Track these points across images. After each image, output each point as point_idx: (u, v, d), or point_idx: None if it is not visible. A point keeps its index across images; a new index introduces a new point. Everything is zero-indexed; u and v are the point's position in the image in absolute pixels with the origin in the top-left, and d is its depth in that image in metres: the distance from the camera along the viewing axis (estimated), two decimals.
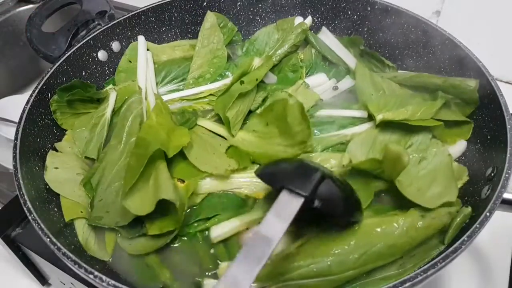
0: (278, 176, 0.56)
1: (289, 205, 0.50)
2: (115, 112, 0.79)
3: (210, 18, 0.91)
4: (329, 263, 0.54)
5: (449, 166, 0.67)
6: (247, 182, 0.68)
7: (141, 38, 0.91)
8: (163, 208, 0.59)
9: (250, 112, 0.79)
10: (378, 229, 0.57)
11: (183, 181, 0.67)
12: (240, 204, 0.67)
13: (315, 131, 0.76)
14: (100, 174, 0.69)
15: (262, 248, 0.45)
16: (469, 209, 0.59)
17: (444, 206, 0.60)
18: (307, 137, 0.64)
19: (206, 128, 0.77)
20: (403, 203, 0.62)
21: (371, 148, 0.71)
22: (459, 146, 0.73)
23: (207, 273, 0.60)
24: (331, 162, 0.69)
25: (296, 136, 0.65)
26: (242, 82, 0.79)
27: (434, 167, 0.67)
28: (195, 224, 0.65)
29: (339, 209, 0.55)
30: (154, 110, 0.70)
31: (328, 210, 0.54)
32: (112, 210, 0.64)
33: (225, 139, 0.75)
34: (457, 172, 0.68)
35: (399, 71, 0.88)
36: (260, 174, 0.60)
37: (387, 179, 0.64)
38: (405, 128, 0.72)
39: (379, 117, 0.71)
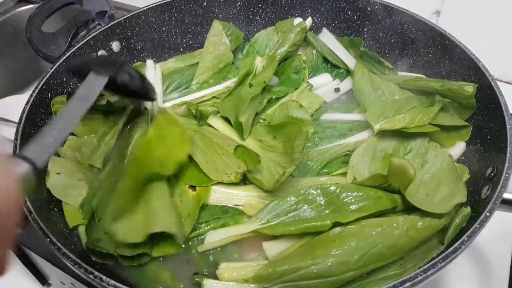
0: (85, 66, 0.63)
1: (96, 83, 0.60)
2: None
3: (217, 26, 0.91)
4: (329, 264, 0.54)
5: (452, 166, 0.67)
6: (249, 199, 0.67)
7: (149, 62, 0.91)
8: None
9: (256, 114, 0.79)
10: (378, 230, 0.57)
11: (194, 188, 0.66)
12: (238, 211, 0.66)
13: (316, 138, 0.76)
14: (100, 194, 0.64)
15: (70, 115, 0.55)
16: (468, 209, 0.59)
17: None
18: (296, 163, 0.65)
19: (213, 127, 0.76)
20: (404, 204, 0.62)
21: (372, 159, 0.70)
22: (458, 148, 0.73)
23: (206, 274, 0.61)
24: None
25: (292, 158, 0.66)
26: (250, 85, 0.78)
27: (437, 170, 0.67)
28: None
29: (137, 85, 0.68)
30: (154, 125, 0.67)
31: (129, 86, 0.65)
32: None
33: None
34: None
35: (398, 73, 0.88)
36: (68, 68, 0.75)
37: (395, 192, 0.62)
38: (403, 133, 0.71)
39: (376, 127, 0.71)
